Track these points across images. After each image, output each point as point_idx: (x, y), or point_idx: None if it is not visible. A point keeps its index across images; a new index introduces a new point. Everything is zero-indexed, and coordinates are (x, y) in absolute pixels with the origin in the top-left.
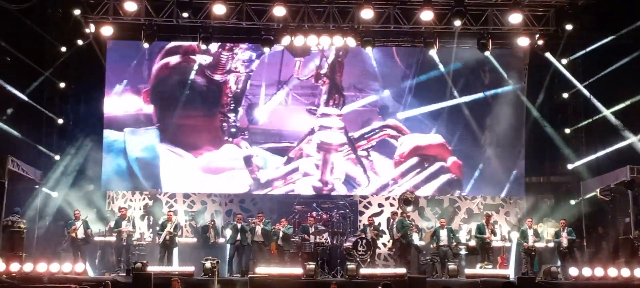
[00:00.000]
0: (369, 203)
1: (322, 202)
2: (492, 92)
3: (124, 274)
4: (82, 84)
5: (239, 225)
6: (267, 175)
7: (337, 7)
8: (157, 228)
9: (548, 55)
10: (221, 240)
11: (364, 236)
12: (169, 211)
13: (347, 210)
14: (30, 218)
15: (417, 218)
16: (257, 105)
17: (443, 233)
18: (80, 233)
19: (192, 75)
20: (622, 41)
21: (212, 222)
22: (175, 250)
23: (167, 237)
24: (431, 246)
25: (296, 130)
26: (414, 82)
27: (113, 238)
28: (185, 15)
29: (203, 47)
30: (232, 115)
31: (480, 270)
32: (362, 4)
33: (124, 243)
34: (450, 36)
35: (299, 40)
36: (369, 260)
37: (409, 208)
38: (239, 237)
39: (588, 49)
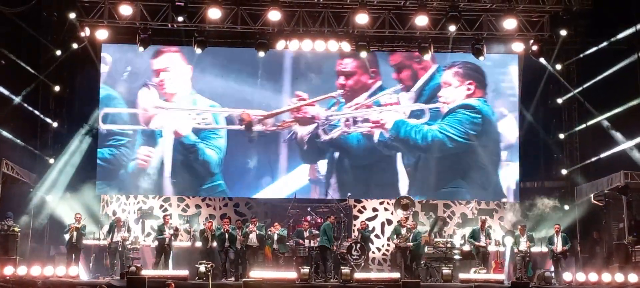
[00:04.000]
0: (364, 207)
1: (317, 206)
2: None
3: (118, 278)
4: (77, 87)
5: (226, 235)
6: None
7: (332, 12)
8: (155, 232)
9: (542, 60)
10: (215, 244)
11: (358, 240)
12: (165, 215)
13: (342, 215)
14: (25, 221)
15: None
16: None
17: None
18: (75, 237)
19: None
20: (616, 47)
21: (210, 225)
22: (170, 254)
23: (167, 241)
24: (425, 250)
25: None
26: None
27: (107, 242)
28: (180, 19)
29: (198, 50)
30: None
31: (475, 275)
32: (357, 9)
33: (119, 248)
34: (445, 41)
35: (293, 45)
36: (363, 264)
37: (405, 212)
38: (227, 243)
39: (582, 55)
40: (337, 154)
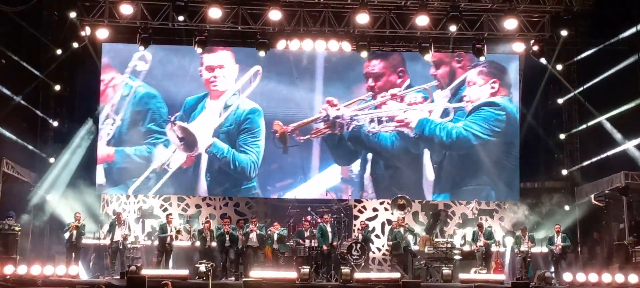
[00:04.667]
0: (364, 207)
1: (317, 206)
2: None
3: (118, 277)
4: (77, 86)
5: (227, 235)
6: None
7: (332, 12)
8: (157, 231)
9: (543, 60)
10: (214, 243)
11: (358, 240)
12: (168, 214)
13: (342, 215)
14: (25, 220)
15: (411, 223)
16: None
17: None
18: (75, 236)
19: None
20: (617, 47)
21: (208, 225)
22: (171, 254)
23: (168, 241)
24: (426, 250)
25: None
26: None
27: (107, 241)
28: (180, 18)
29: (198, 50)
30: None
31: (475, 275)
32: (357, 9)
33: (120, 247)
34: (445, 41)
35: (294, 44)
36: (363, 264)
37: (401, 213)
38: (227, 243)
39: (583, 55)
40: (370, 155)
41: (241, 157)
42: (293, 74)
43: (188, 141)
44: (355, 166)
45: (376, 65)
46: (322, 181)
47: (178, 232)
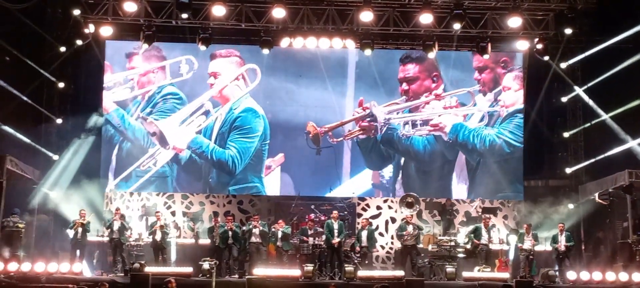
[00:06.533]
0: (367, 205)
1: (321, 204)
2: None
3: (122, 274)
4: (81, 84)
5: (230, 232)
6: None
7: (336, 9)
8: (148, 230)
9: (547, 58)
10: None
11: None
12: (157, 212)
13: (346, 213)
14: (29, 218)
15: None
16: None
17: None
18: (80, 233)
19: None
20: (621, 45)
21: (216, 222)
22: (173, 251)
23: (156, 236)
24: (430, 248)
25: None
26: None
27: (110, 238)
28: (184, 16)
29: (202, 47)
30: None
31: (479, 273)
32: (361, 6)
33: (115, 239)
34: (449, 39)
35: (298, 42)
36: (366, 262)
37: (409, 211)
38: (230, 240)
39: (587, 53)
40: (402, 159)
41: (219, 150)
42: (324, 75)
43: (160, 137)
44: (387, 171)
45: (411, 69)
46: (352, 187)
47: (162, 227)
